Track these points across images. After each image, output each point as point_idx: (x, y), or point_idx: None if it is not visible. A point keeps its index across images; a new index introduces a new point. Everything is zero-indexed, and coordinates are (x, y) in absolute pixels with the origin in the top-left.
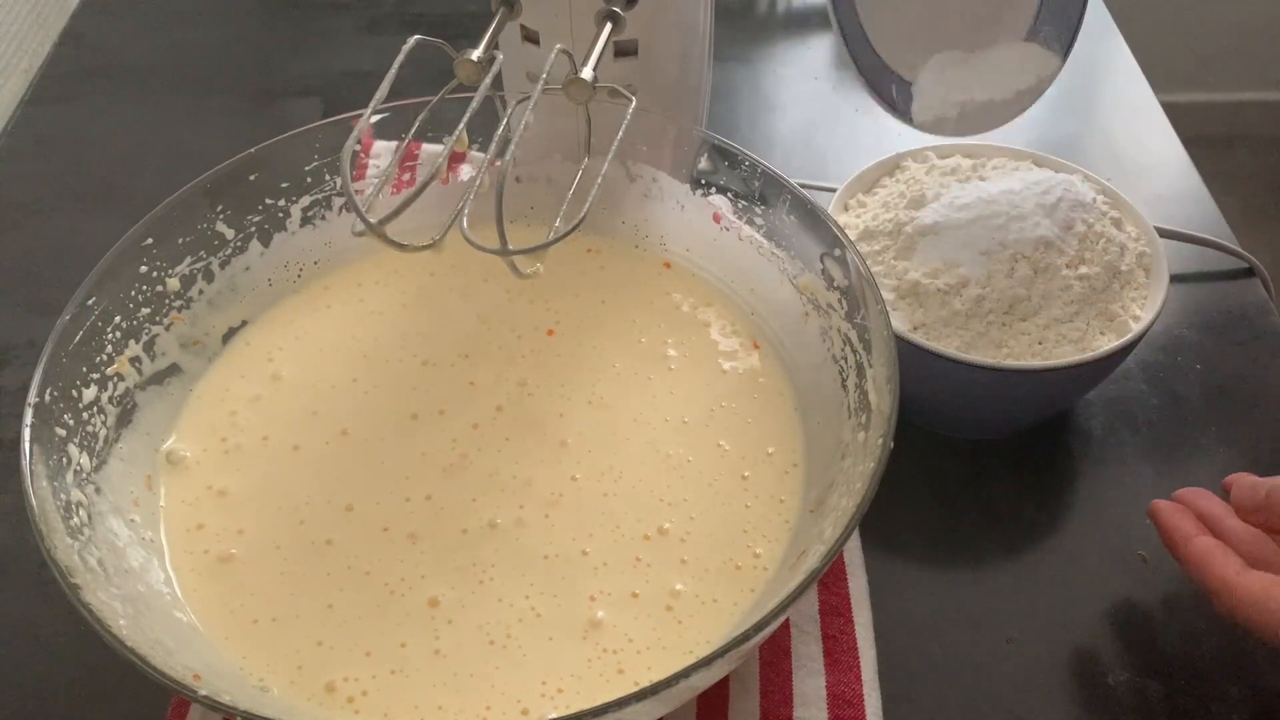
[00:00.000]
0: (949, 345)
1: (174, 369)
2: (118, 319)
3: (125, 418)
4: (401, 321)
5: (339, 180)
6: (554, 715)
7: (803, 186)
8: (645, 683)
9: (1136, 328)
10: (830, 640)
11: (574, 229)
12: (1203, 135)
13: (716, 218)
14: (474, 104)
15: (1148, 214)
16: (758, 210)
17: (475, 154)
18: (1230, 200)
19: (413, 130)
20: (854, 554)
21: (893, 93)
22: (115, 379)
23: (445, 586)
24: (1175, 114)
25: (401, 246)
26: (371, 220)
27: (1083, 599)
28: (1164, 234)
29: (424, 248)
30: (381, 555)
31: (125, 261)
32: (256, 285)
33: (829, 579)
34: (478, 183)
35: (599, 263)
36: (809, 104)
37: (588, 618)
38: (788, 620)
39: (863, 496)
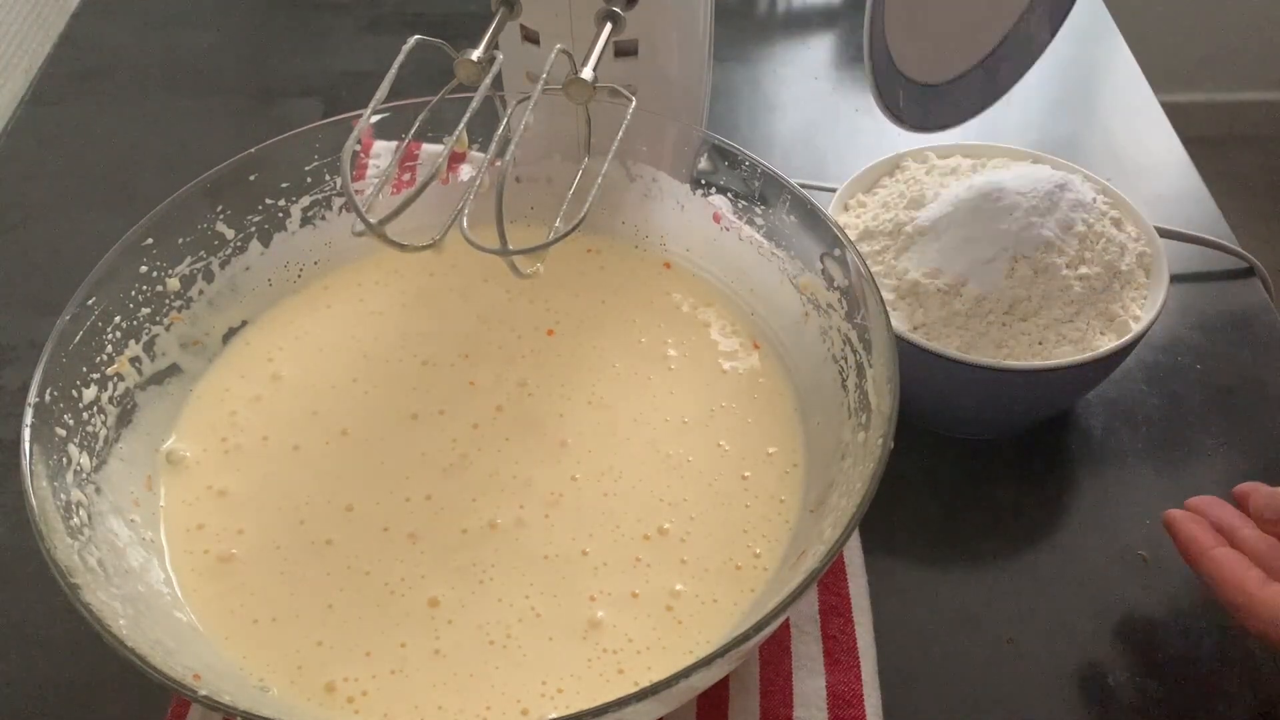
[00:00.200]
0: (949, 345)
1: (174, 369)
2: (118, 319)
3: (125, 418)
4: (401, 321)
5: (339, 180)
6: (554, 715)
7: (803, 186)
8: (645, 683)
9: (1136, 328)
10: (830, 640)
11: (574, 229)
12: (1203, 135)
13: (716, 218)
14: (474, 104)
15: (1148, 214)
16: (758, 210)
17: (475, 154)
18: (1230, 200)
19: (413, 130)
20: (854, 554)
21: (899, 99)
22: (115, 379)
23: (445, 586)
24: (1175, 114)
25: (401, 246)
26: (371, 220)
27: (1083, 599)
28: (1164, 234)
29: (424, 248)
30: (381, 555)
31: (125, 261)
32: (256, 285)
33: (829, 579)
34: (478, 183)
35: (599, 263)
36: (809, 104)
37: (588, 618)
38: (788, 620)
39: (863, 496)
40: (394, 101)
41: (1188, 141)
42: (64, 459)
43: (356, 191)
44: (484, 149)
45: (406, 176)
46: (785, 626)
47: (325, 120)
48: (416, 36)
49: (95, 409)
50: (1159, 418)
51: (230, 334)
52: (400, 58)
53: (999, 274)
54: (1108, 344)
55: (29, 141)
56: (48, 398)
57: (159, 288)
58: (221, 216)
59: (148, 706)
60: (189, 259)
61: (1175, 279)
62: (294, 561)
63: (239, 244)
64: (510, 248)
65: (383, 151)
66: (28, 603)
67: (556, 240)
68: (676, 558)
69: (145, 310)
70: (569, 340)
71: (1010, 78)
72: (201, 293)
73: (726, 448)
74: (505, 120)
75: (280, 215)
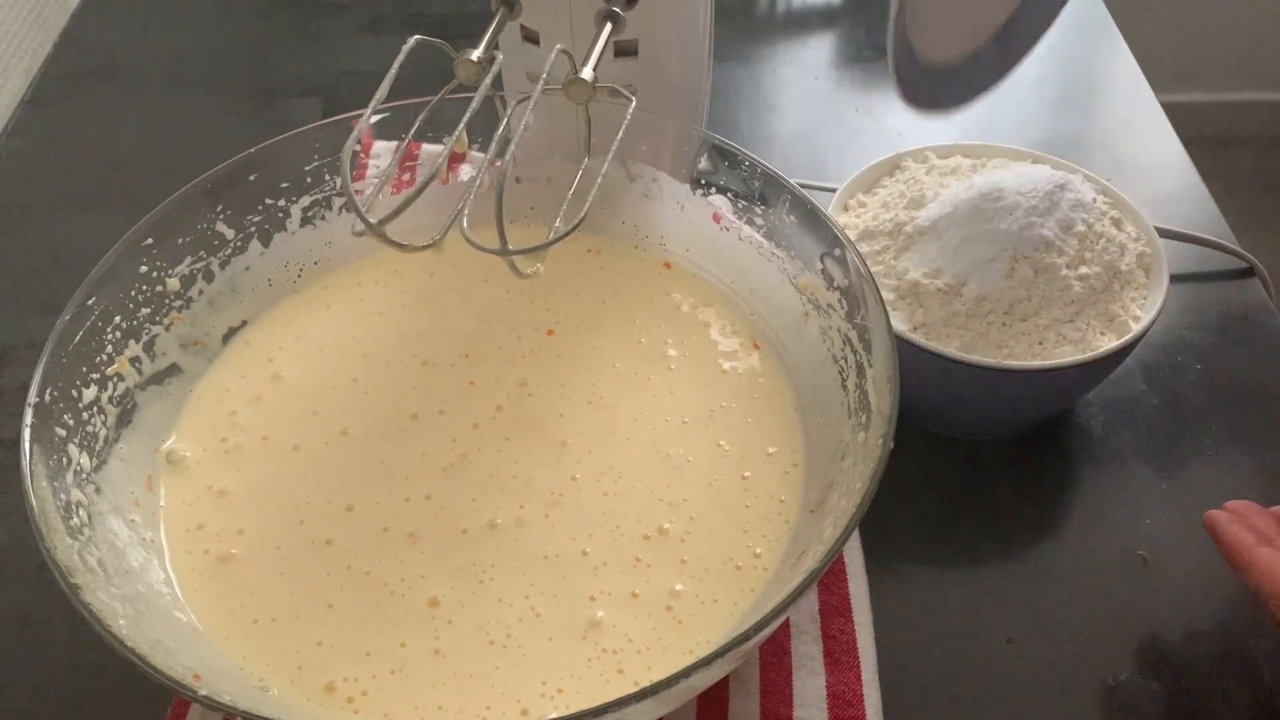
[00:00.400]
0: (949, 345)
1: (174, 369)
2: (118, 319)
3: (125, 418)
4: (401, 321)
5: (339, 180)
6: (554, 715)
7: (803, 186)
8: (645, 683)
9: (1136, 328)
10: (830, 640)
11: (574, 229)
12: (1203, 135)
13: (716, 218)
14: (474, 104)
15: (1148, 214)
16: (758, 210)
17: (475, 154)
18: (1230, 200)
19: (413, 130)
20: (854, 554)
21: (919, 84)
22: (115, 379)
23: (445, 586)
24: (1175, 114)
25: (401, 246)
26: (371, 220)
27: (1083, 599)
28: (1164, 234)
29: (424, 248)
30: (381, 555)
31: (125, 261)
32: (256, 285)
33: (829, 579)
34: (478, 183)
35: (599, 263)
36: (809, 104)
37: (588, 618)
38: (788, 620)
39: (863, 496)
40: (394, 101)
41: (1188, 141)
42: (64, 459)
43: (356, 191)
44: (484, 149)
45: (406, 176)
46: (785, 626)
47: (325, 120)
48: (416, 36)
49: (95, 409)
50: (1159, 418)
51: (230, 334)
52: (400, 58)
53: (999, 274)
54: (1108, 344)
55: (29, 141)
56: (48, 398)
57: (159, 288)
58: (221, 216)
59: (148, 706)
60: (189, 259)
61: (1175, 279)
62: (294, 561)
63: (239, 244)
64: (510, 248)
65: (383, 151)
66: (28, 603)
67: (556, 240)
68: (676, 558)
69: (145, 310)
70: (569, 340)
71: (1022, 50)
72: (201, 293)
73: (726, 448)
74: (505, 120)
75: (280, 215)
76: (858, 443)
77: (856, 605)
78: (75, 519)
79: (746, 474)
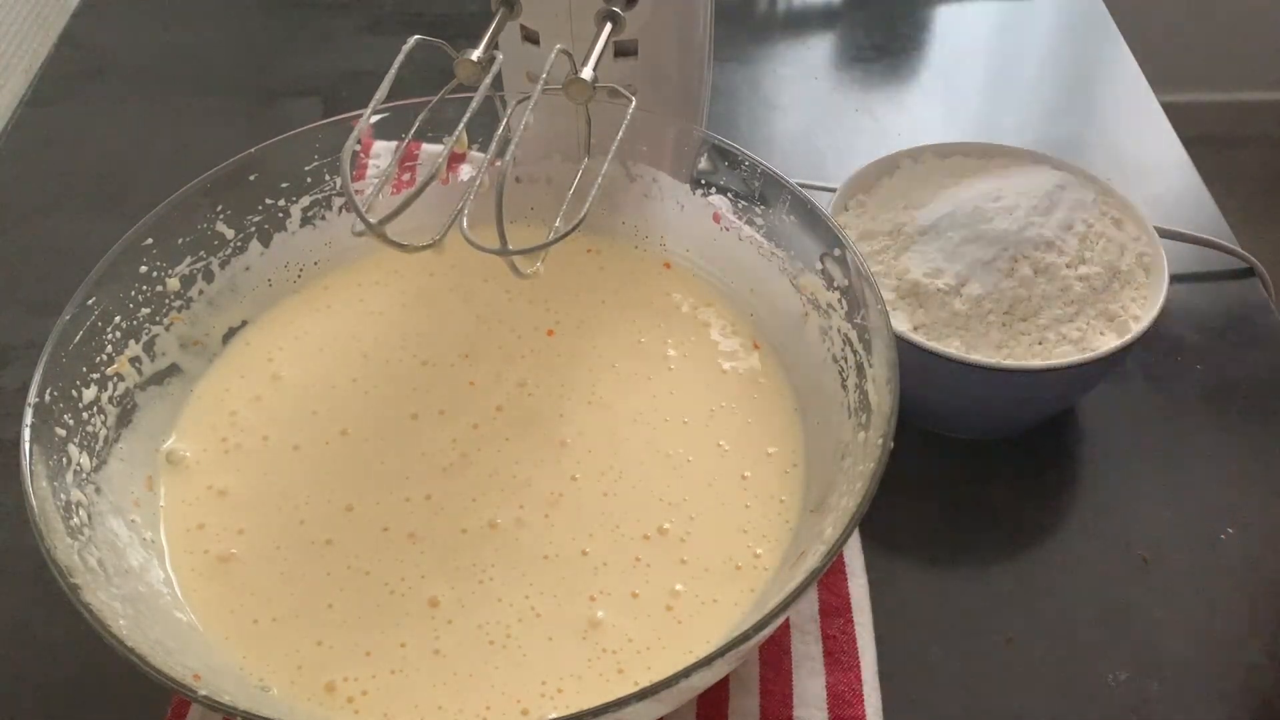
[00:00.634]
0: (949, 345)
1: (174, 369)
2: (118, 319)
3: (125, 418)
4: (401, 321)
5: (339, 180)
6: (554, 715)
7: (803, 186)
8: (645, 683)
9: (1136, 328)
10: (830, 640)
11: (574, 229)
12: (1203, 135)
13: (716, 218)
14: (474, 104)
15: (1148, 214)
16: (758, 210)
17: (475, 154)
18: (1230, 200)
19: (413, 130)
20: (854, 554)
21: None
22: (115, 379)
23: (445, 586)
24: (1175, 114)
25: (401, 246)
26: (371, 220)
27: (1083, 599)
28: (1164, 234)
29: (424, 248)
30: (381, 555)
31: (125, 261)
32: (256, 285)
33: (829, 579)
34: (478, 183)
35: (599, 263)
36: (809, 104)
37: (587, 618)
38: (788, 620)
39: (863, 496)
40: (394, 101)
41: (1188, 141)
42: (64, 459)
43: (356, 191)
44: (484, 149)
45: (406, 176)
46: (785, 626)
47: (325, 120)
48: (416, 36)
49: (95, 409)
50: (1159, 418)
51: (230, 334)
52: (400, 58)
53: (999, 274)
54: (1108, 344)
55: (29, 141)
56: (48, 398)
57: (159, 288)
58: (221, 216)
59: (148, 706)
60: (189, 259)
61: (1175, 279)
62: (294, 561)
63: (239, 244)
64: (510, 248)
65: (383, 151)
66: (28, 603)
67: (556, 240)
68: (676, 558)
69: (145, 310)
70: (569, 340)
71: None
72: (201, 293)
73: (726, 448)
74: (505, 120)
75: (280, 215)
76: (858, 442)
77: (856, 605)
78: (75, 519)
79: (746, 474)
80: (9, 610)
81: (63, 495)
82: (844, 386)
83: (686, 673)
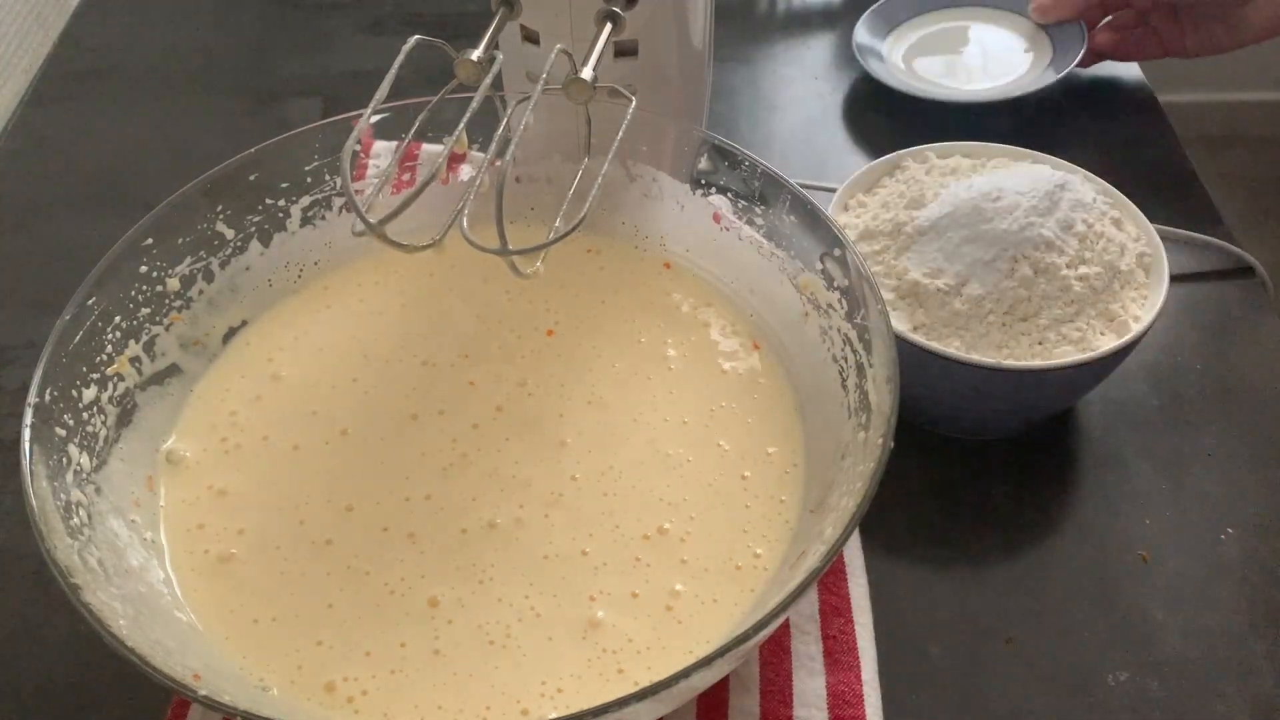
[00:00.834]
0: (949, 345)
1: (174, 369)
2: (118, 319)
3: (125, 418)
4: (401, 321)
5: (339, 180)
6: (554, 715)
7: (803, 186)
8: (645, 683)
9: (1137, 328)
10: (830, 640)
11: (574, 229)
12: (1203, 135)
13: (716, 218)
14: (474, 104)
15: (1148, 214)
16: (758, 210)
17: (475, 154)
18: (1230, 200)
19: (413, 130)
20: (854, 554)
21: None
22: (115, 379)
23: (445, 586)
24: (1175, 114)
25: (401, 246)
26: (371, 220)
27: (1083, 599)
28: (1164, 234)
29: (424, 248)
30: (381, 555)
31: (125, 261)
32: (256, 285)
33: (829, 579)
34: (478, 183)
35: (599, 263)
36: (809, 104)
37: (587, 618)
38: (788, 620)
39: (863, 496)
40: (394, 101)
41: (1188, 141)
42: (64, 459)
43: (356, 191)
44: (484, 149)
45: (406, 176)
46: (785, 626)
47: (325, 120)
48: (416, 36)
49: (95, 409)
50: (1159, 418)
51: (230, 334)
52: (400, 58)
53: (999, 274)
54: (1108, 344)
55: (29, 141)
56: (48, 398)
57: (159, 288)
58: (221, 216)
59: (148, 706)
60: (189, 259)
61: (1175, 279)
62: (294, 561)
63: (239, 244)
64: (510, 248)
65: (383, 151)
66: (28, 603)
67: (556, 240)
68: (676, 558)
69: (145, 310)
70: (569, 340)
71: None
72: (201, 293)
73: (726, 448)
74: (505, 120)
75: (280, 215)
76: (858, 442)
77: (856, 605)
78: (75, 519)
79: (746, 474)
80: (9, 610)
81: (63, 495)
82: (844, 386)
83: (686, 673)
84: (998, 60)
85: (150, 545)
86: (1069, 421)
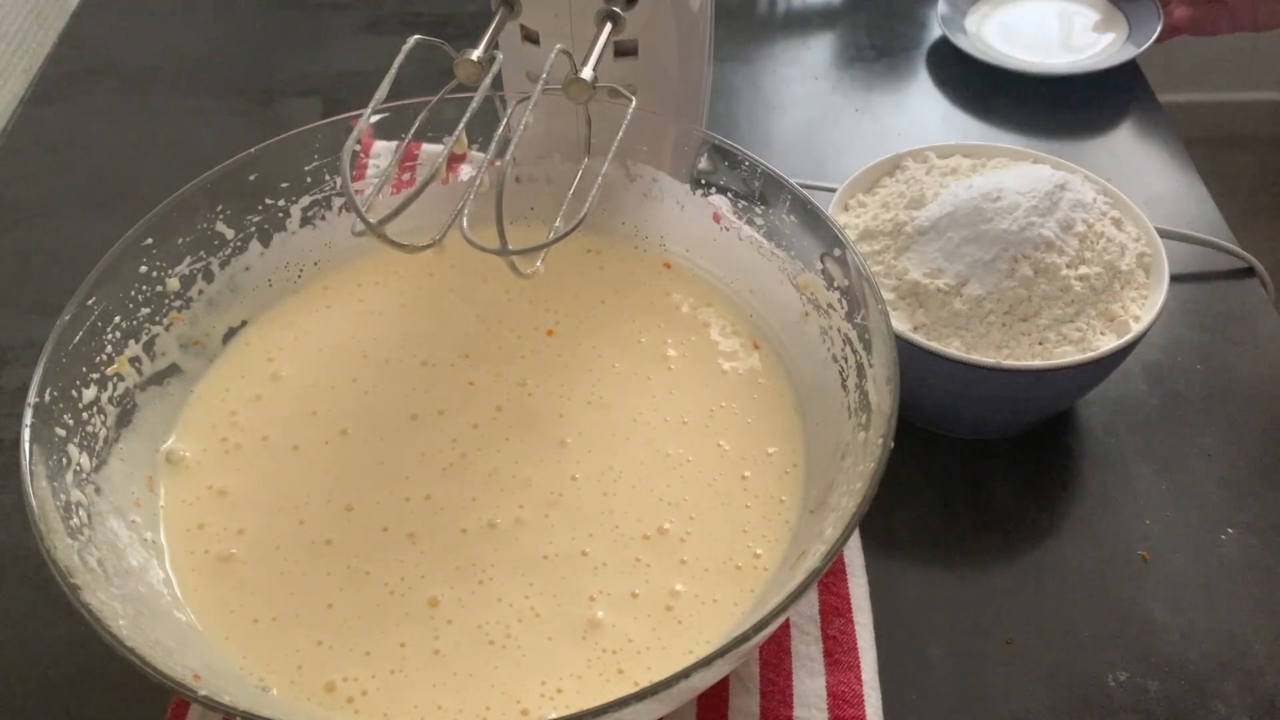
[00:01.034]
0: (949, 345)
1: (174, 369)
2: (118, 319)
3: (125, 418)
4: (401, 321)
5: (339, 180)
6: (554, 715)
7: (803, 186)
8: (645, 683)
9: (1137, 328)
10: (830, 640)
11: (574, 229)
12: (1203, 135)
13: (716, 218)
14: (474, 104)
15: (1148, 214)
16: (758, 210)
17: (475, 154)
18: (1230, 200)
19: (413, 130)
20: (854, 554)
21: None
22: (115, 379)
23: (445, 586)
24: (1175, 114)
25: (402, 246)
26: (371, 220)
27: (1083, 599)
28: (1164, 234)
29: (424, 248)
30: (381, 555)
31: (125, 261)
32: (256, 285)
33: (829, 579)
34: (478, 183)
35: (599, 263)
36: (809, 104)
37: (587, 618)
38: (788, 620)
39: (863, 496)
40: (394, 101)
41: (1188, 141)
42: (64, 459)
43: (356, 191)
44: (484, 149)
45: (406, 176)
46: (785, 626)
47: (325, 120)
48: (416, 36)
49: (95, 409)
50: (1159, 418)
51: (230, 334)
52: (400, 58)
53: (999, 274)
54: (1108, 344)
55: (29, 141)
56: (47, 398)
57: (159, 288)
58: (221, 216)
59: (148, 706)
60: (189, 259)
61: (1175, 279)
62: (294, 561)
63: (239, 244)
64: (510, 248)
65: (383, 151)
66: (28, 603)
67: (556, 240)
68: (676, 558)
69: (145, 310)
70: (569, 340)
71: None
72: (201, 293)
73: (726, 448)
74: (505, 120)
75: (280, 215)
76: (858, 442)
77: (856, 605)
78: (75, 519)
79: (746, 474)
80: (9, 610)
81: (63, 495)
82: (844, 386)
83: (686, 673)
84: (1075, 36)
85: (150, 545)
86: (1069, 421)
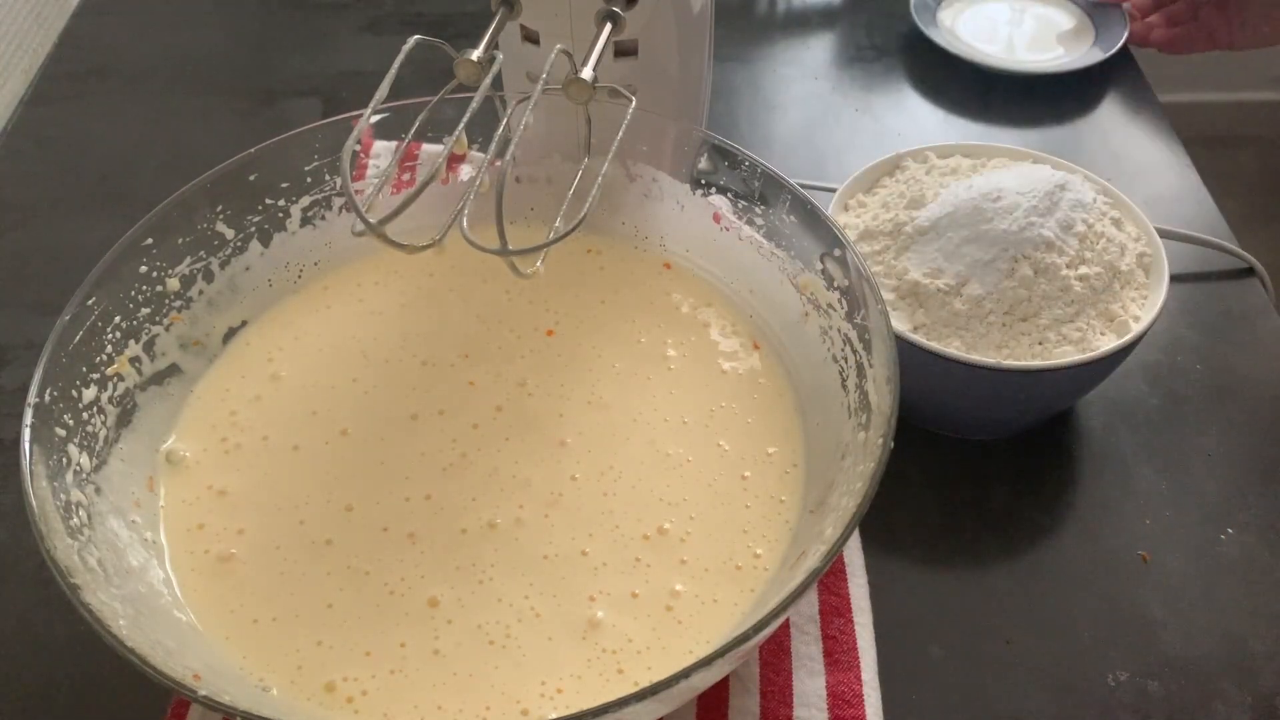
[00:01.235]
0: (949, 345)
1: (174, 369)
2: (118, 319)
3: (125, 418)
4: (401, 321)
5: (339, 180)
6: (554, 715)
7: (803, 186)
8: (645, 683)
9: (1137, 328)
10: (830, 640)
11: (574, 229)
12: (1203, 135)
13: (716, 218)
14: (474, 104)
15: (1148, 214)
16: (758, 210)
17: (475, 154)
18: (1230, 201)
19: (413, 130)
20: (854, 554)
21: None
22: (115, 379)
23: (445, 586)
24: (1175, 114)
25: (401, 246)
26: (371, 220)
27: (1083, 599)
28: (1164, 234)
29: (424, 248)
30: (381, 555)
31: (125, 261)
32: (256, 285)
33: (829, 579)
34: (478, 183)
35: (599, 263)
36: (809, 104)
37: (587, 618)
38: (788, 620)
39: (863, 496)
40: (394, 101)
41: (1188, 141)
42: (64, 459)
43: (356, 191)
44: (484, 149)
45: (406, 176)
46: (785, 626)
47: (325, 120)
48: (416, 36)
49: (95, 409)
50: (1159, 418)
51: (230, 334)
52: (400, 58)
53: (999, 274)
54: (1108, 344)
55: (29, 141)
56: (47, 398)
57: (159, 288)
58: (221, 216)
59: (148, 706)
60: (189, 259)
61: (1175, 279)
62: (294, 561)
63: (239, 244)
64: (510, 248)
65: (383, 151)
66: (28, 603)
67: (556, 240)
68: (676, 558)
69: (145, 310)
70: (569, 340)
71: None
72: (201, 293)
73: (726, 448)
74: (505, 120)
75: (280, 215)
76: (858, 442)
77: (856, 605)
78: (75, 519)
79: (746, 474)
80: (9, 610)
81: (63, 495)
82: (844, 386)
83: (686, 673)
84: (1042, 38)
85: (150, 545)
86: (1069, 421)
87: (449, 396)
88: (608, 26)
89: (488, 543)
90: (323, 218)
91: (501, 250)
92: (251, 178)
